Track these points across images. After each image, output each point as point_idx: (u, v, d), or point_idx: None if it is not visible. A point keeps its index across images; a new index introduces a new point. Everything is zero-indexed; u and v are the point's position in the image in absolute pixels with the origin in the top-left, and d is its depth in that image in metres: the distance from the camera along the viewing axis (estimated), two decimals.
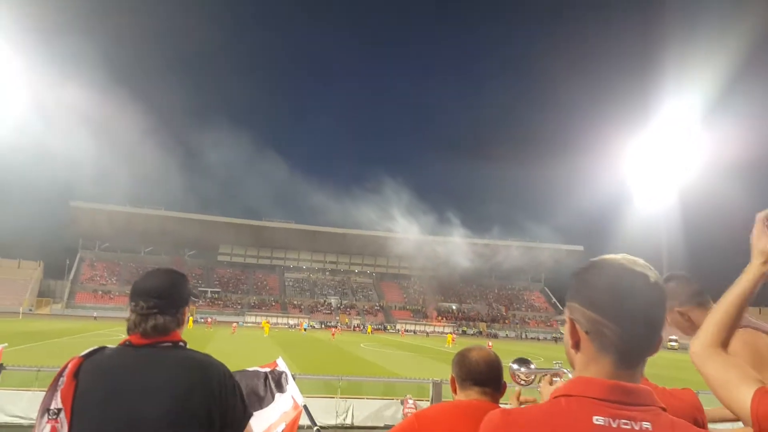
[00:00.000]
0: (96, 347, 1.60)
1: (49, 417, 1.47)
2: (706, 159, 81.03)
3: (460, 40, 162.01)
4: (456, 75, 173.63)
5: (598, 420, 0.87)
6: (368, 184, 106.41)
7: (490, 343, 52.11)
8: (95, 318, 59.24)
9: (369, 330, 67.72)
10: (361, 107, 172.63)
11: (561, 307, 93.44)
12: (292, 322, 72.91)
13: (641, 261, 0.99)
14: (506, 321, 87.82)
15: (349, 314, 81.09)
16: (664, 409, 0.93)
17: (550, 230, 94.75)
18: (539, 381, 1.96)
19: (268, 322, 55.29)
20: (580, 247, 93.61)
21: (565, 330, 1.03)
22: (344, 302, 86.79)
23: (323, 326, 70.36)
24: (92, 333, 35.49)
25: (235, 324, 55.94)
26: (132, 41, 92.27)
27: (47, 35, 61.66)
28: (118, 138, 72.65)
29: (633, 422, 0.87)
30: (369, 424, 11.32)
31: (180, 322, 1.67)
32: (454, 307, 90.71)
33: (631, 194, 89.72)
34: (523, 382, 2.04)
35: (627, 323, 0.92)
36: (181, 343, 1.63)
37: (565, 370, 1.85)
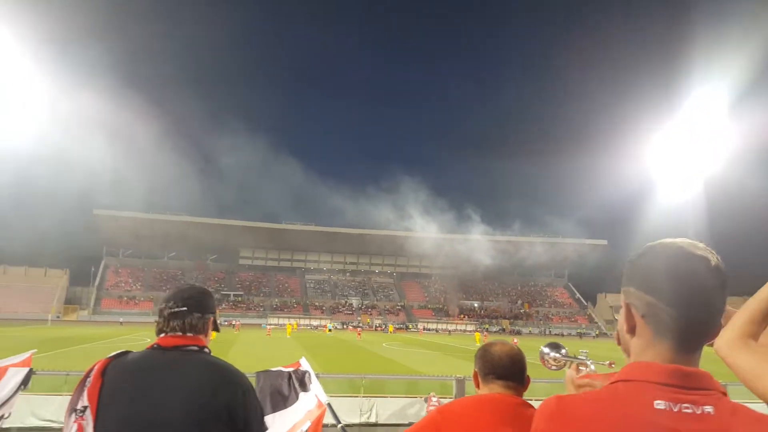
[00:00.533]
0: (124, 350, 1.66)
1: (76, 416, 1.51)
2: (732, 149, 78.87)
3: (479, 36, 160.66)
4: (475, 70, 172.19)
5: (659, 404, 0.86)
6: (387, 183, 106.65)
7: (516, 340, 51.74)
8: (121, 323, 60.39)
9: (390, 329, 67.67)
10: (379, 106, 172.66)
11: (585, 303, 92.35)
12: (314, 323, 73.26)
13: (702, 245, 0.96)
14: (529, 317, 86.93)
15: (371, 314, 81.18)
16: (724, 394, 0.91)
17: (573, 225, 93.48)
18: (568, 367, 1.92)
19: (290, 324, 55.63)
20: (604, 241, 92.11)
21: (620, 315, 1.01)
22: (365, 302, 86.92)
23: (345, 327, 70.48)
24: (119, 338, 36.16)
25: (270, 327, 56.42)
26: (150, 49, 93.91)
27: (64, 44, 63.04)
28: (138, 145, 73.91)
29: (694, 406, 0.86)
30: (393, 421, 11.29)
31: (205, 330, 1.72)
32: (476, 305, 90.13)
33: (655, 186, 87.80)
34: (553, 367, 1.98)
35: (685, 307, 0.91)
36: (206, 350, 1.67)
37: (589, 361, 1.82)
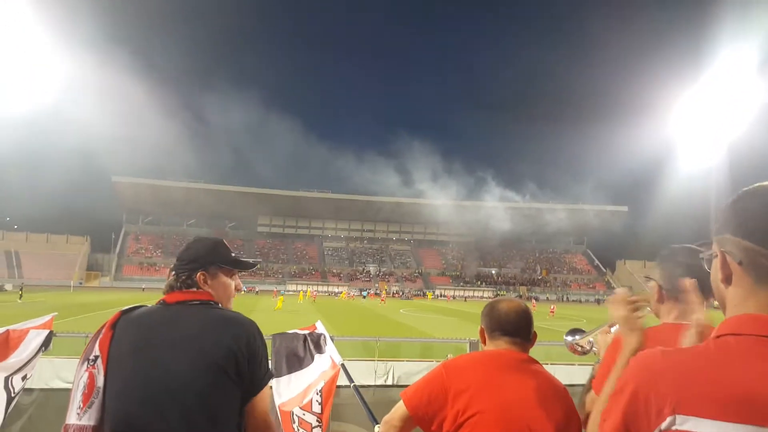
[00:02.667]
0: (136, 305, 1.69)
1: (89, 365, 1.56)
2: (756, 113, 76.14)
3: None
4: (495, 32, 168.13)
5: None
6: (404, 150, 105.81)
7: (535, 303, 52.22)
8: (143, 289, 61.89)
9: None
10: (395, 69, 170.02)
11: (603, 269, 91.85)
12: (332, 289, 74.39)
13: None
14: (547, 284, 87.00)
15: (388, 281, 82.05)
16: None
17: (593, 191, 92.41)
18: (594, 338, 1.96)
19: (308, 291, 56.25)
20: (625, 208, 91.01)
21: (715, 265, 0.95)
22: (383, 270, 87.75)
23: (360, 293, 71.36)
24: (141, 303, 37.12)
25: (315, 292, 56.91)
26: (165, 18, 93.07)
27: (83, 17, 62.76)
28: (156, 113, 74.25)
29: None
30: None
31: (199, 283, 1.69)
32: (493, 272, 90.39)
33: (677, 152, 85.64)
34: (582, 350, 2.05)
35: None
36: (212, 302, 1.67)
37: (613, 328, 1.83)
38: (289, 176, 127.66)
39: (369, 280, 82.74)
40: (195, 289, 1.68)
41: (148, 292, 58.26)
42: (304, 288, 70.54)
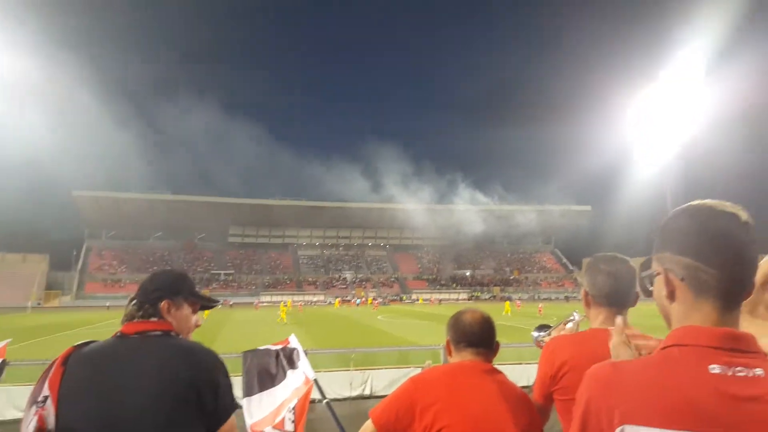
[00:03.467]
0: (89, 340, 1.62)
1: (37, 406, 1.47)
2: (709, 114, 79.12)
3: (461, 2, 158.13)
4: (461, 37, 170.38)
5: (714, 369, 0.86)
6: (376, 155, 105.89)
7: (519, 302, 52.86)
8: (108, 307, 59.75)
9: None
10: (364, 73, 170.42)
11: (571, 267, 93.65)
12: (308, 299, 73.70)
13: (729, 203, 0.97)
14: (519, 284, 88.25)
15: (365, 287, 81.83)
16: (767, 355, 0.92)
17: (559, 192, 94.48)
18: (559, 331, 2.04)
19: (288, 302, 55.58)
20: (588, 207, 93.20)
21: (658, 282, 1.00)
22: (359, 276, 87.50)
23: (339, 301, 70.92)
24: (106, 323, 35.82)
25: (300, 303, 56.29)
26: (120, 25, 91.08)
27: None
28: (115, 125, 72.48)
29: (747, 369, 0.86)
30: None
31: (172, 313, 1.67)
32: (467, 273, 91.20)
33: (634, 152, 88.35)
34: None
35: (724, 265, 0.90)
36: (171, 332, 1.63)
37: (575, 313, 1.97)
38: (259, 185, 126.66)
39: (345, 287, 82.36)
40: (156, 319, 1.63)
41: (113, 310, 56.36)
42: (279, 298, 69.87)
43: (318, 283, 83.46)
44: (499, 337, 1.87)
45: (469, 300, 76.47)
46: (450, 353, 1.85)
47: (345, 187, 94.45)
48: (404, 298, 75.37)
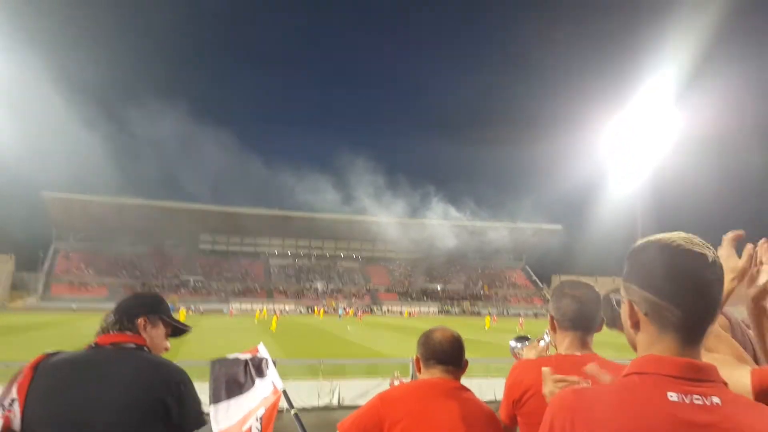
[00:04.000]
0: (61, 350, 1.64)
1: (4, 409, 1.48)
2: (679, 138, 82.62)
3: (437, 21, 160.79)
4: (439, 55, 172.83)
5: (672, 396, 0.89)
6: (350, 168, 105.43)
7: (495, 318, 53.20)
8: (74, 309, 58.25)
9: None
10: (338, 85, 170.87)
11: (540, 284, 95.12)
12: (278, 308, 72.83)
13: (698, 239, 0.98)
14: (488, 299, 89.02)
15: (336, 298, 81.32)
16: (726, 384, 0.95)
17: (530, 210, 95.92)
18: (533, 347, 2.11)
19: (263, 311, 54.98)
20: (559, 227, 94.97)
21: (623, 310, 1.03)
22: (331, 287, 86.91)
23: (309, 311, 70.38)
24: (71, 325, 34.89)
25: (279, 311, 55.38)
26: (88, 26, 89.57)
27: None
28: (86, 128, 70.74)
29: (704, 397, 0.89)
30: (356, 403, 11.39)
31: (147, 329, 1.73)
32: (438, 287, 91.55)
33: (607, 174, 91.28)
34: (521, 357, 2.15)
35: (688, 305, 0.93)
36: (144, 348, 1.68)
37: (546, 333, 1.99)
38: (229, 192, 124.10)
39: (317, 298, 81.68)
40: (131, 333, 1.67)
41: (80, 312, 54.93)
42: (249, 306, 68.93)
43: (289, 293, 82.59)
44: (474, 352, 2.02)
45: (439, 314, 76.79)
46: (419, 370, 1.89)
47: (317, 198, 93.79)
48: (375, 309, 75.15)
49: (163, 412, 1.51)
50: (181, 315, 47.23)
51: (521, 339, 2.40)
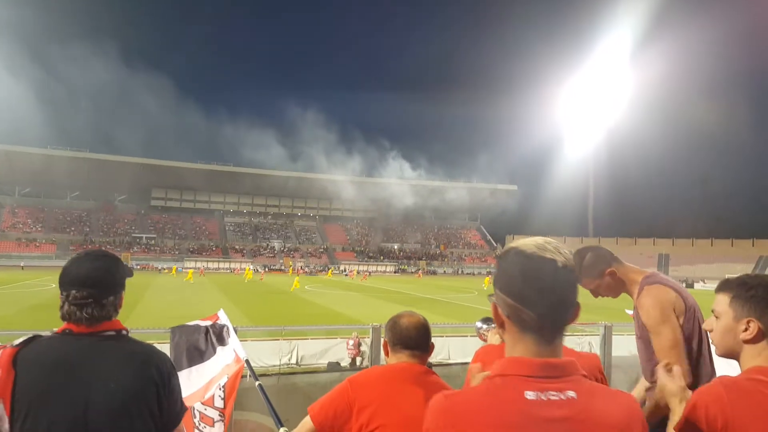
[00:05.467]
0: (30, 336, 1.51)
1: None
2: (631, 98, 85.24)
3: None
4: (394, 11, 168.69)
5: (529, 395, 0.97)
6: (305, 126, 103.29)
7: (420, 274, 54.62)
8: (22, 268, 55.90)
9: (329, 274, 67.85)
10: (288, 36, 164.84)
11: (495, 244, 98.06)
12: (234, 266, 72.21)
13: (552, 245, 1.05)
14: (444, 258, 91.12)
15: (293, 257, 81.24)
16: (585, 376, 1.04)
17: (486, 170, 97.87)
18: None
19: (250, 269, 54.37)
20: (514, 187, 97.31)
21: (492, 312, 1.12)
22: (288, 245, 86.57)
23: (266, 269, 70.10)
24: (21, 283, 33.71)
25: (263, 270, 54.41)
26: None
27: None
28: (31, 76, 66.01)
29: (560, 393, 0.98)
30: (314, 362, 11.67)
31: (117, 308, 1.61)
32: (395, 247, 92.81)
33: (562, 136, 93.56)
34: (486, 339, 2.21)
35: (541, 308, 1.01)
36: (123, 332, 1.58)
37: None
38: (182, 147, 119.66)
39: (273, 256, 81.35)
40: (108, 320, 1.56)
41: (28, 270, 52.83)
42: (204, 264, 67.99)
43: (245, 251, 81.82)
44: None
45: (395, 273, 78.13)
46: (387, 354, 1.94)
47: (272, 155, 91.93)
48: (332, 269, 75.75)
49: (155, 404, 1.50)
50: (189, 274, 47.51)
51: (487, 320, 2.38)
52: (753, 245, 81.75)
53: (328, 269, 71.30)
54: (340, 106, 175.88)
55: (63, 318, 1.53)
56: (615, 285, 2.23)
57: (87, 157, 74.82)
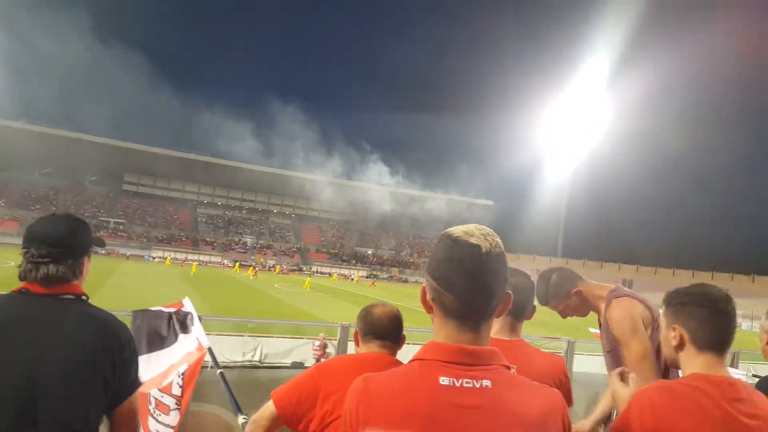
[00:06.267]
0: None
1: None
2: (609, 125, 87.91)
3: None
4: (385, 19, 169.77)
5: (443, 381, 0.97)
6: (289, 121, 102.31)
7: (374, 281, 54.60)
8: None
9: (307, 283, 67.45)
10: (277, 31, 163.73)
11: None
12: (203, 258, 70.99)
13: (481, 232, 1.05)
14: (417, 267, 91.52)
15: (265, 254, 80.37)
16: (508, 368, 1.03)
17: (465, 184, 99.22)
18: None
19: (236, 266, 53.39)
20: (491, 202, 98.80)
21: (420, 295, 1.11)
22: (260, 242, 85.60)
23: (236, 264, 69.14)
24: None
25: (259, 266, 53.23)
26: None
27: None
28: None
29: (475, 381, 0.97)
30: (277, 361, 11.53)
31: (77, 274, 1.55)
32: (369, 252, 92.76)
33: (541, 157, 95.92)
34: None
35: (462, 293, 1.00)
36: (83, 297, 1.53)
37: None
38: (160, 132, 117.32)
39: (245, 252, 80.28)
40: (67, 282, 1.51)
41: None
42: (172, 254, 66.67)
43: (216, 244, 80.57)
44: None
45: (367, 278, 77.98)
46: (357, 343, 1.90)
47: (250, 149, 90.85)
48: (304, 269, 75.20)
49: (108, 373, 1.46)
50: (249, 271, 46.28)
51: None
52: (712, 278, 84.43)
53: (332, 275, 70.38)
54: (323, 105, 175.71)
55: (20, 277, 1.48)
56: (582, 304, 2.26)
57: (56, 134, 72.70)
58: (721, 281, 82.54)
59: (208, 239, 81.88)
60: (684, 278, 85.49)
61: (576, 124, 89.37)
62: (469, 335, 1.02)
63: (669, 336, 1.51)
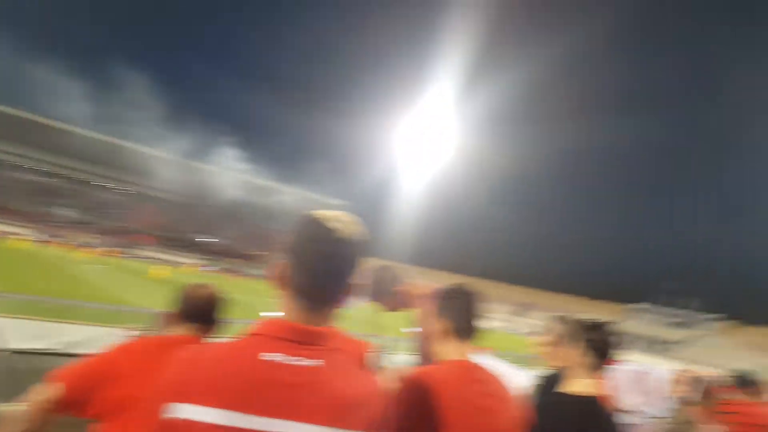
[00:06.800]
0: None
1: None
2: (457, 142, 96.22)
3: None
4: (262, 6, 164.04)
5: (270, 356, 0.97)
6: (136, 91, 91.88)
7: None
8: None
9: (154, 271, 60.59)
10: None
11: None
12: (4, 229, 60.40)
13: (341, 217, 1.07)
14: (254, 260, 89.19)
15: (83, 231, 71.13)
16: (343, 351, 1.05)
17: (320, 182, 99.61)
18: None
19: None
20: (345, 203, 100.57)
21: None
22: (83, 218, 75.55)
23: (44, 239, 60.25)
24: None
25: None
26: None
27: None
28: None
29: (307, 359, 0.98)
30: (78, 351, 10.28)
31: None
32: (207, 240, 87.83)
33: (393, 168, 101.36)
34: None
35: (306, 273, 1.02)
36: None
37: None
38: None
39: (60, 227, 70.13)
40: None
41: None
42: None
43: (22, 214, 69.13)
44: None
45: (201, 268, 73.83)
46: (168, 324, 1.85)
47: (79, 110, 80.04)
48: (129, 252, 68.30)
49: None
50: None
51: None
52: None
53: (163, 262, 63.91)
54: (177, 78, 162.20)
55: None
56: (406, 301, 2.46)
57: None
58: (610, 311, 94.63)
59: (11, 207, 69.88)
60: (504, 290, 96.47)
61: (428, 139, 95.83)
62: (311, 315, 1.03)
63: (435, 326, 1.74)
